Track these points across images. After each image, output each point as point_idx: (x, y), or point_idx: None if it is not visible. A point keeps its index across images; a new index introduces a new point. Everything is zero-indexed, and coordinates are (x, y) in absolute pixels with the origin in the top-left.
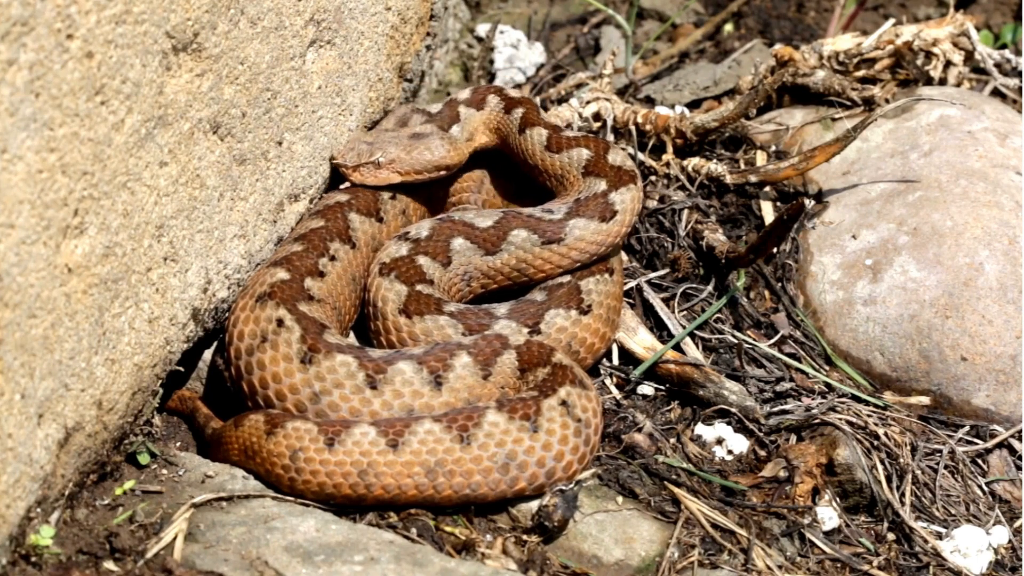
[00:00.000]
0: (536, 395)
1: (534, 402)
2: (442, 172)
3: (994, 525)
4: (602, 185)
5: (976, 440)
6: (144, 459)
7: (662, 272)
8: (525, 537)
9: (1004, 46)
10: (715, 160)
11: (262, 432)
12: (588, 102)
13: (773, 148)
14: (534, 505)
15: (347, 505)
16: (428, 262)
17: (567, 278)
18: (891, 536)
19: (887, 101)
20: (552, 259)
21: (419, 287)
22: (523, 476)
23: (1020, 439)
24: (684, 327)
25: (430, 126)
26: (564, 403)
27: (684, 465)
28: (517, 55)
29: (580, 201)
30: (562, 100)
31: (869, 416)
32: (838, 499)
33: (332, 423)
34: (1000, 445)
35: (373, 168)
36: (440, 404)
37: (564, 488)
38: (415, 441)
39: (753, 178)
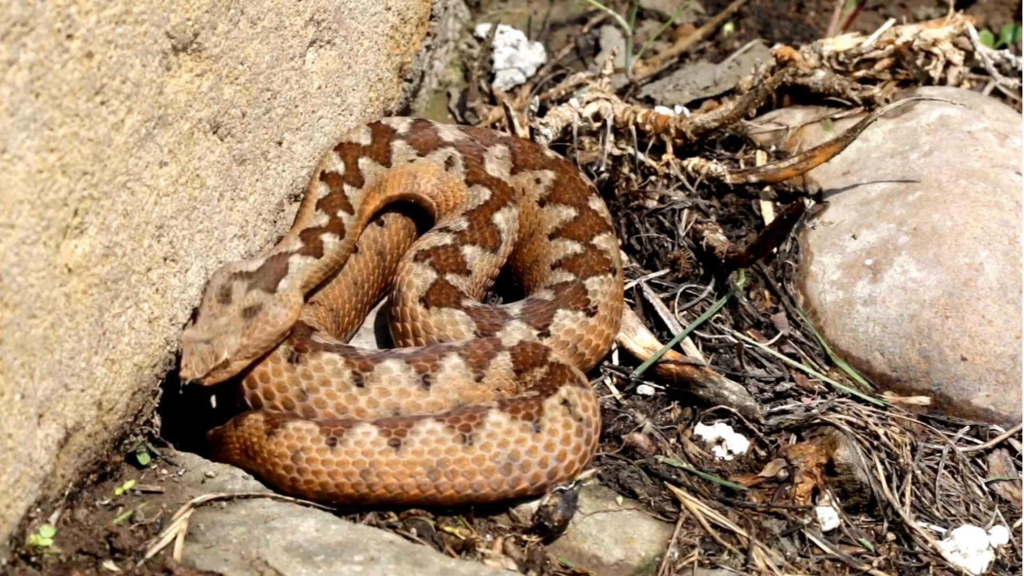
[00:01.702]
0: (537, 395)
1: (536, 402)
2: (287, 334)
3: (994, 525)
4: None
5: (976, 440)
6: (144, 459)
7: (662, 272)
8: (525, 537)
9: (1004, 46)
10: (715, 160)
11: (262, 432)
12: (588, 102)
13: (773, 148)
14: (534, 505)
15: (348, 505)
16: (475, 251)
17: (571, 276)
18: (891, 536)
19: (887, 101)
20: None
21: (448, 276)
22: (525, 476)
23: (1020, 439)
24: (684, 327)
25: (257, 292)
26: (566, 402)
27: (684, 465)
28: (517, 55)
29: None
30: (562, 100)
31: (869, 416)
32: (838, 499)
33: (333, 423)
34: (1000, 445)
35: (223, 368)
36: (427, 404)
37: (564, 488)
38: (417, 441)
39: (753, 178)
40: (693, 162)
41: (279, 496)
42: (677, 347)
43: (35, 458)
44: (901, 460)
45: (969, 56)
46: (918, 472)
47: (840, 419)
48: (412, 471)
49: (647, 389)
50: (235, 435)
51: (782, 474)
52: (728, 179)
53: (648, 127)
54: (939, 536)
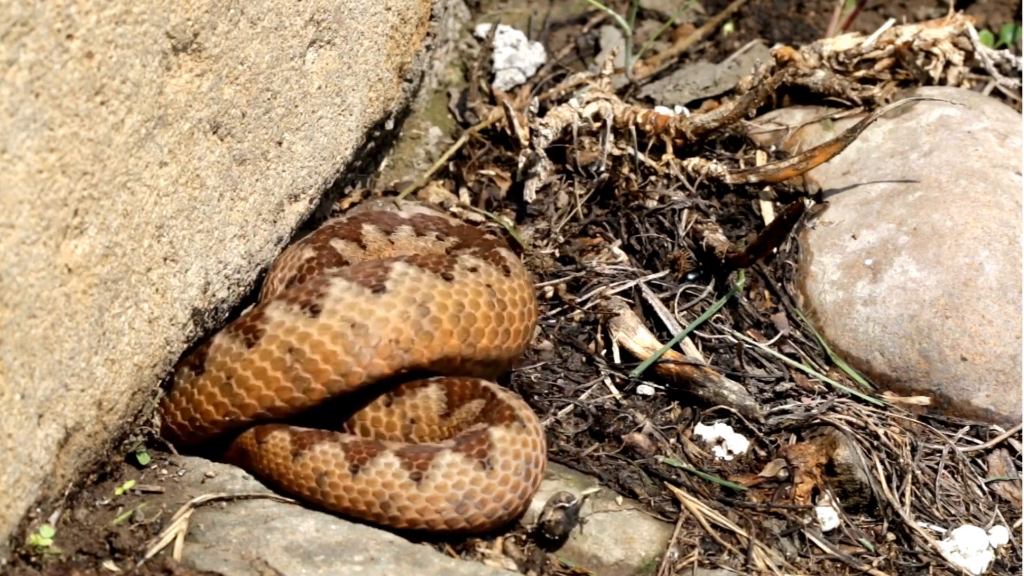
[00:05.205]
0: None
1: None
2: None
3: (994, 525)
4: None
5: (976, 440)
6: (144, 459)
7: (662, 272)
8: (525, 537)
9: (1004, 46)
10: (715, 160)
11: (288, 453)
12: (588, 102)
13: (773, 148)
14: (535, 511)
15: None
16: None
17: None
18: (891, 536)
19: (887, 101)
20: None
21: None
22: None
23: (1020, 439)
24: (684, 327)
25: None
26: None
27: (684, 465)
28: (517, 55)
29: None
30: (562, 100)
31: (869, 416)
32: (838, 499)
33: (358, 447)
34: (1000, 445)
35: None
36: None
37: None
38: (439, 475)
39: (753, 178)
40: (693, 162)
41: (279, 496)
42: (677, 347)
43: (35, 458)
44: (901, 460)
45: (969, 56)
46: (918, 472)
47: (840, 419)
48: (436, 506)
49: (647, 389)
50: (259, 453)
51: (782, 474)
52: (728, 179)
53: (648, 127)
54: (939, 536)
